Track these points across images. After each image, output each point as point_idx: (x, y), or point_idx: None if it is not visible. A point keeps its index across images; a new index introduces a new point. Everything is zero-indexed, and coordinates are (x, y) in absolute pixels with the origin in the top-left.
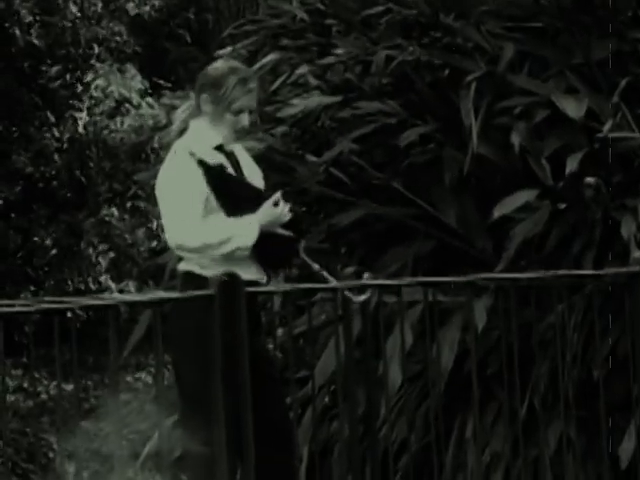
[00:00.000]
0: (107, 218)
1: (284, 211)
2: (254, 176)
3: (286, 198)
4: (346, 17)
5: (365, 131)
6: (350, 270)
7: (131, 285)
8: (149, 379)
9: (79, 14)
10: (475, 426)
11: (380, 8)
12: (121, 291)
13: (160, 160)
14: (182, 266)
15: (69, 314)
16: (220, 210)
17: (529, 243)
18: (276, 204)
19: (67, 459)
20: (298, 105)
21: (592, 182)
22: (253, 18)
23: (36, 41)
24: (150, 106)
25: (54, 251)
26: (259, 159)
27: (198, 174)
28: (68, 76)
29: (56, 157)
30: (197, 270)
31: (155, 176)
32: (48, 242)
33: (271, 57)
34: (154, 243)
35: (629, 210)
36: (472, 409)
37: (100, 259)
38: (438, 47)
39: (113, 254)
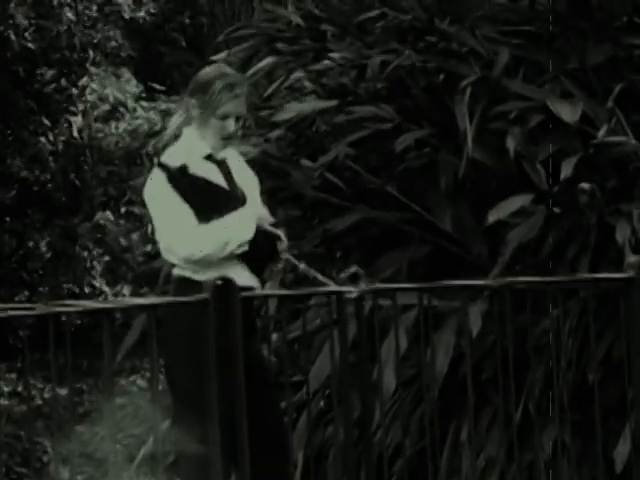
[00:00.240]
0: (102, 222)
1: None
2: (247, 183)
3: (280, 202)
4: (341, 22)
5: (360, 136)
6: (345, 275)
7: (126, 289)
8: (144, 383)
9: (74, 18)
10: (470, 430)
11: (375, 13)
12: (116, 295)
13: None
14: (176, 271)
15: (63, 318)
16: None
17: (524, 248)
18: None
19: (61, 463)
20: (293, 110)
21: (587, 187)
22: (248, 23)
23: (31, 45)
24: (145, 110)
25: (49, 255)
26: (254, 164)
27: (165, 181)
28: (63, 80)
29: (51, 161)
30: (191, 275)
31: None
32: (43, 246)
33: (266, 62)
34: (149, 247)
35: (624, 215)
36: (467, 413)
37: (95, 263)
38: (433, 52)
39: (108, 258)
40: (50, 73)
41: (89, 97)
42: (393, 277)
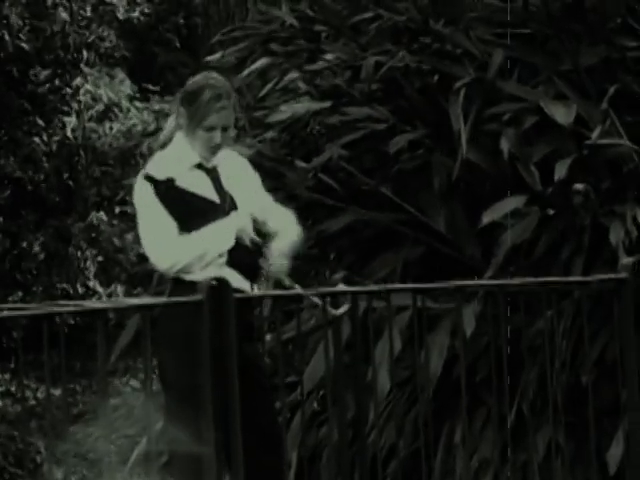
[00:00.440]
0: (95, 222)
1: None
2: (244, 187)
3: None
4: (335, 23)
5: (354, 137)
6: (338, 277)
7: (119, 289)
8: (137, 384)
9: (68, 19)
10: (464, 431)
11: (369, 14)
12: (109, 295)
13: None
14: None
15: (57, 319)
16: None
17: (518, 249)
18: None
19: (55, 464)
20: (287, 111)
21: (581, 188)
22: (243, 24)
23: (25, 45)
24: (139, 110)
25: (42, 255)
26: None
27: (151, 191)
28: (57, 81)
29: (45, 161)
30: (185, 275)
31: None
32: (36, 246)
33: (261, 63)
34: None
35: (618, 216)
36: (461, 415)
37: (89, 264)
38: (427, 53)
39: (101, 258)
40: (44, 73)
41: (83, 97)
42: (387, 278)
